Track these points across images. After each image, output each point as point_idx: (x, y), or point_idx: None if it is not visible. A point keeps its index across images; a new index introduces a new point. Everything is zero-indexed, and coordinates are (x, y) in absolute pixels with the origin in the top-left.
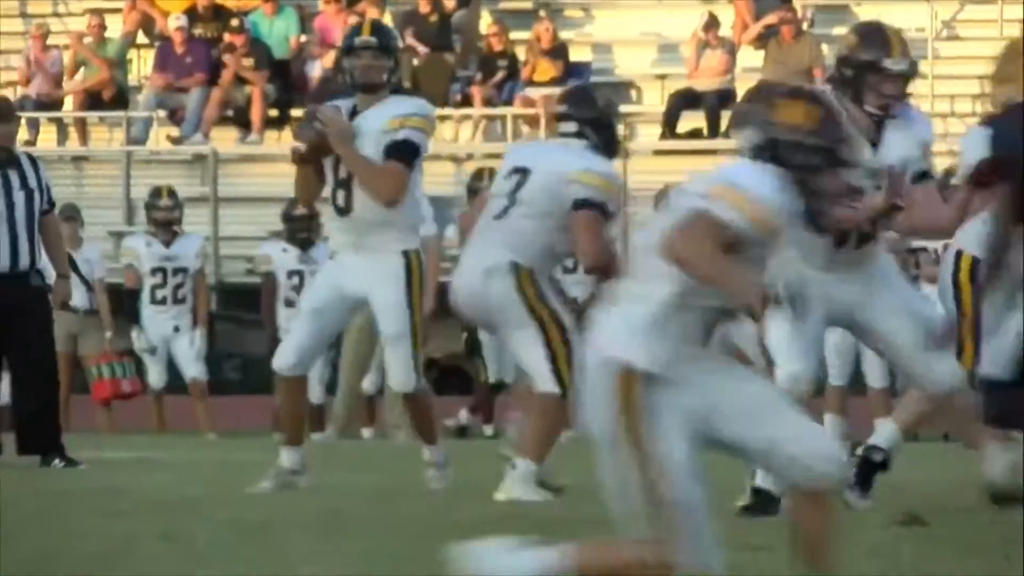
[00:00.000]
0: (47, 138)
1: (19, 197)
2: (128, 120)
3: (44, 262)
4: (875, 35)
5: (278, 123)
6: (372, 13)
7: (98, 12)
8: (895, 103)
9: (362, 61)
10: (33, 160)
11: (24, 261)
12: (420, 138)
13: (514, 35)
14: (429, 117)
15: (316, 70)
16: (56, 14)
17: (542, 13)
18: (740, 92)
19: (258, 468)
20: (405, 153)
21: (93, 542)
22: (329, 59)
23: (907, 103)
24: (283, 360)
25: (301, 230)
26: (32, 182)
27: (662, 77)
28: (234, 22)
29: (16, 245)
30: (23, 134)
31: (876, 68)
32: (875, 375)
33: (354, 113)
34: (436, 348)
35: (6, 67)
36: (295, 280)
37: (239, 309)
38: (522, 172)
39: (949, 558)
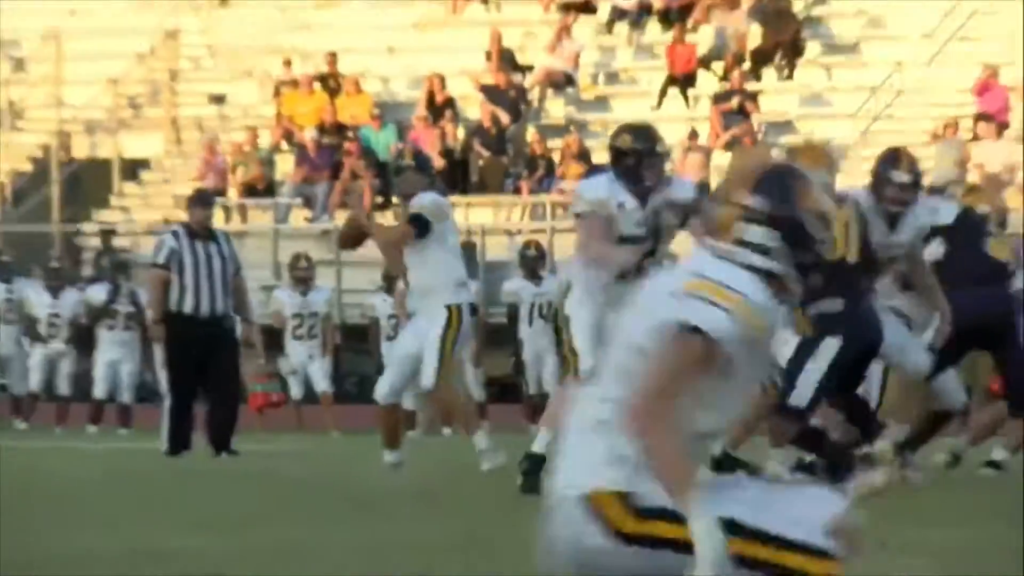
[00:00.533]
0: (216, 218)
1: (216, 263)
2: (275, 205)
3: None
4: (644, 131)
5: (381, 207)
6: (449, 128)
7: (252, 128)
8: (663, 177)
9: (404, 177)
10: (226, 236)
11: (220, 309)
12: (427, 216)
13: (551, 143)
14: (435, 203)
15: None
16: (223, 130)
17: (571, 128)
18: (714, 184)
19: (372, 456)
20: (414, 221)
21: (249, 504)
22: None
23: (674, 176)
24: (380, 392)
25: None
26: (225, 251)
27: None
28: (350, 134)
29: (214, 298)
30: None
31: (651, 154)
32: None
33: None
34: (492, 368)
35: (188, 167)
36: (393, 322)
37: (356, 341)
38: None
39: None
